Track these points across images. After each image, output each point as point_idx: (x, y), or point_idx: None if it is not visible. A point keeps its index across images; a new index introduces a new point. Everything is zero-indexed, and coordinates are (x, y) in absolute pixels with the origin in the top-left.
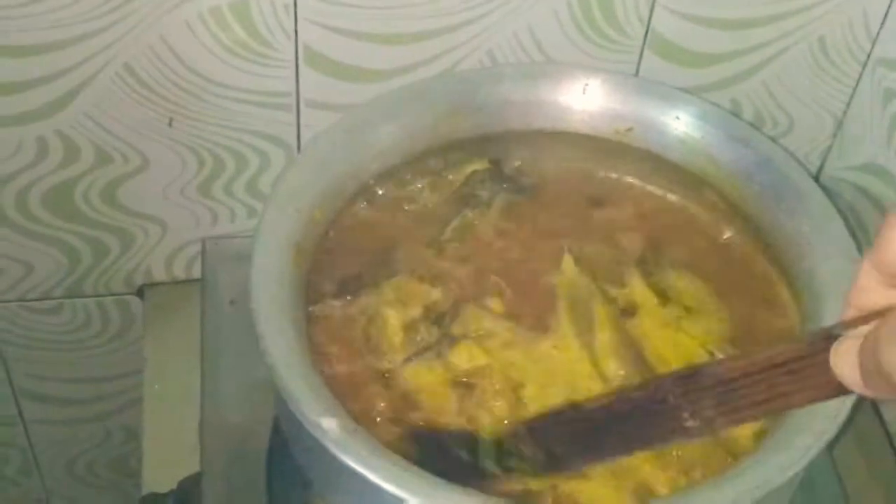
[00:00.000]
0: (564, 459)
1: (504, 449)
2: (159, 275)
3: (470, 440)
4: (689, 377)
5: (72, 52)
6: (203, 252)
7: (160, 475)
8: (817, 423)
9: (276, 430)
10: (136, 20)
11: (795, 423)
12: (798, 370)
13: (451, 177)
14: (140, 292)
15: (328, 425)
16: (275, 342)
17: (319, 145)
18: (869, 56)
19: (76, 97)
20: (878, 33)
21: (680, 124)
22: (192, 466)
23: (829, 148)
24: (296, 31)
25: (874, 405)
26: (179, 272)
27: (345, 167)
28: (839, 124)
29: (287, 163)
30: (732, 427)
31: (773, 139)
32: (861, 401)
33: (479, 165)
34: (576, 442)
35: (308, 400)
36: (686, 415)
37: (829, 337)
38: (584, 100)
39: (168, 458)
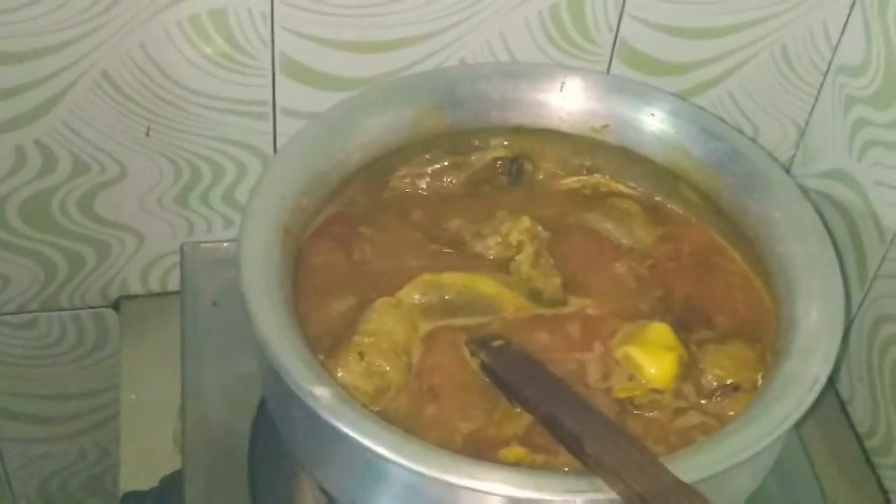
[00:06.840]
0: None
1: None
2: (135, 287)
3: None
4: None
5: (50, 61)
6: (182, 256)
7: (137, 484)
8: (795, 393)
9: (260, 419)
10: (116, 28)
11: (774, 393)
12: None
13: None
14: (116, 305)
15: (320, 393)
16: (265, 318)
17: (304, 137)
18: (830, 64)
19: (55, 106)
20: (839, 41)
21: (654, 120)
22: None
23: (794, 156)
24: (272, 40)
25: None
26: (155, 285)
27: (329, 158)
28: (802, 132)
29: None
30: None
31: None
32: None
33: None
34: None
35: (300, 370)
36: None
37: None
38: (562, 97)
39: (144, 467)
